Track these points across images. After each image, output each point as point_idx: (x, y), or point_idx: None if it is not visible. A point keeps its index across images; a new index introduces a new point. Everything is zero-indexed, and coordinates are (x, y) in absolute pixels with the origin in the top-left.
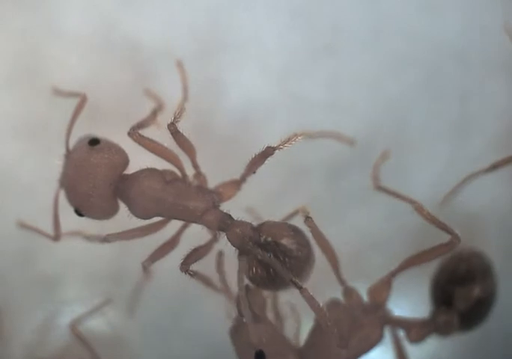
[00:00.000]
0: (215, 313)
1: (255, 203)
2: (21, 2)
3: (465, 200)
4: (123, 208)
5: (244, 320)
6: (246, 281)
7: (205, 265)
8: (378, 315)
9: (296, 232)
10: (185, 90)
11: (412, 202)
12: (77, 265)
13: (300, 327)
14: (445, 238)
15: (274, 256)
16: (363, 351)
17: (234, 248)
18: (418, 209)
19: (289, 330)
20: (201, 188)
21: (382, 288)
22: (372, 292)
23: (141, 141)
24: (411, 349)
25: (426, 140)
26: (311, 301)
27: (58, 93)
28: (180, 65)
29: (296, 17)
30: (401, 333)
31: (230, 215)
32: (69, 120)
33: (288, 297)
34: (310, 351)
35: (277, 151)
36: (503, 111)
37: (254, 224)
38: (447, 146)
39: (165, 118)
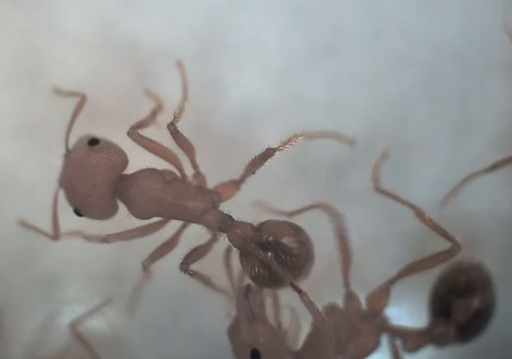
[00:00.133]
0: (215, 313)
1: (255, 204)
2: (21, 2)
3: (465, 200)
4: (122, 208)
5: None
6: (248, 280)
7: (205, 265)
8: (375, 323)
9: (296, 230)
10: (185, 90)
11: (413, 207)
12: (77, 265)
13: (300, 330)
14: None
15: (275, 255)
16: (359, 357)
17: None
18: (420, 214)
19: (289, 333)
20: (200, 188)
21: (381, 295)
22: (370, 299)
23: (141, 141)
24: None
25: (426, 140)
26: (309, 305)
27: (58, 92)
28: (180, 65)
29: (296, 17)
30: (398, 341)
31: (230, 216)
32: (69, 119)
33: (288, 300)
34: (307, 354)
35: (277, 152)
36: (503, 111)
37: (255, 223)
38: (447, 146)
39: (165, 118)
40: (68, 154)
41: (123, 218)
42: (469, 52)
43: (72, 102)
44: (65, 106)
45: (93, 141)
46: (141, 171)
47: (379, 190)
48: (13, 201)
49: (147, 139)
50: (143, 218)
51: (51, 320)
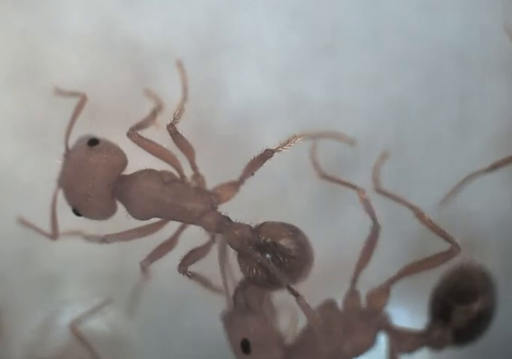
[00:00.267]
0: (215, 313)
1: (254, 204)
2: (21, 2)
3: (465, 200)
4: (121, 209)
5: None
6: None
7: (203, 267)
8: (373, 322)
9: (294, 232)
10: (185, 90)
11: (412, 208)
12: (77, 265)
13: (296, 325)
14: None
15: (273, 257)
16: (354, 354)
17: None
18: (419, 215)
19: (284, 329)
20: (199, 190)
21: (380, 295)
22: (370, 298)
23: (140, 142)
24: None
25: (426, 141)
26: (306, 308)
27: (58, 92)
28: (180, 65)
29: (296, 17)
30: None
31: (228, 217)
32: (69, 119)
33: (286, 297)
34: (298, 351)
35: (276, 153)
36: (503, 111)
37: (253, 225)
38: (447, 146)
39: (165, 118)
40: (68, 154)
41: (122, 219)
42: (469, 52)
43: (72, 102)
44: (65, 106)
45: (93, 141)
46: (140, 172)
47: (380, 191)
48: (13, 201)
49: (147, 140)
50: (142, 219)
51: (51, 320)
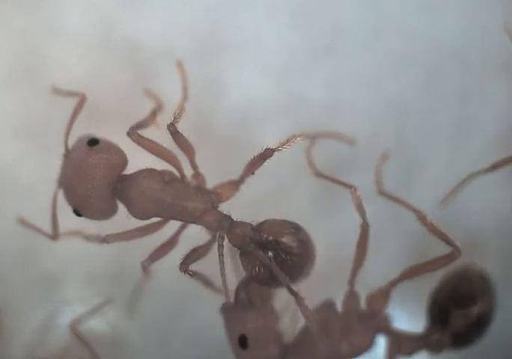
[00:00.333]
0: (215, 313)
1: (254, 204)
2: (21, 2)
3: (465, 200)
4: (121, 208)
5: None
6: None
7: (204, 266)
8: (371, 323)
9: (296, 229)
10: (185, 90)
11: (415, 210)
12: (77, 264)
13: (296, 325)
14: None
15: (275, 255)
16: (351, 355)
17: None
18: (422, 218)
19: (285, 328)
20: (200, 189)
21: (380, 297)
22: (370, 299)
23: (140, 142)
24: None
25: (426, 141)
26: (304, 309)
27: (58, 92)
28: (180, 65)
29: (296, 17)
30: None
31: (229, 216)
32: (68, 119)
33: (287, 296)
34: (296, 349)
35: (276, 152)
36: (503, 111)
37: (254, 223)
38: (447, 146)
39: (165, 118)
40: (67, 154)
41: (123, 219)
42: (469, 52)
43: (72, 102)
44: (65, 106)
45: (93, 141)
46: (141, 172)
47: (383, 193)
48: (13, 201)
49: (147, 139)
50: (142, 219)
51: (51, 320)
